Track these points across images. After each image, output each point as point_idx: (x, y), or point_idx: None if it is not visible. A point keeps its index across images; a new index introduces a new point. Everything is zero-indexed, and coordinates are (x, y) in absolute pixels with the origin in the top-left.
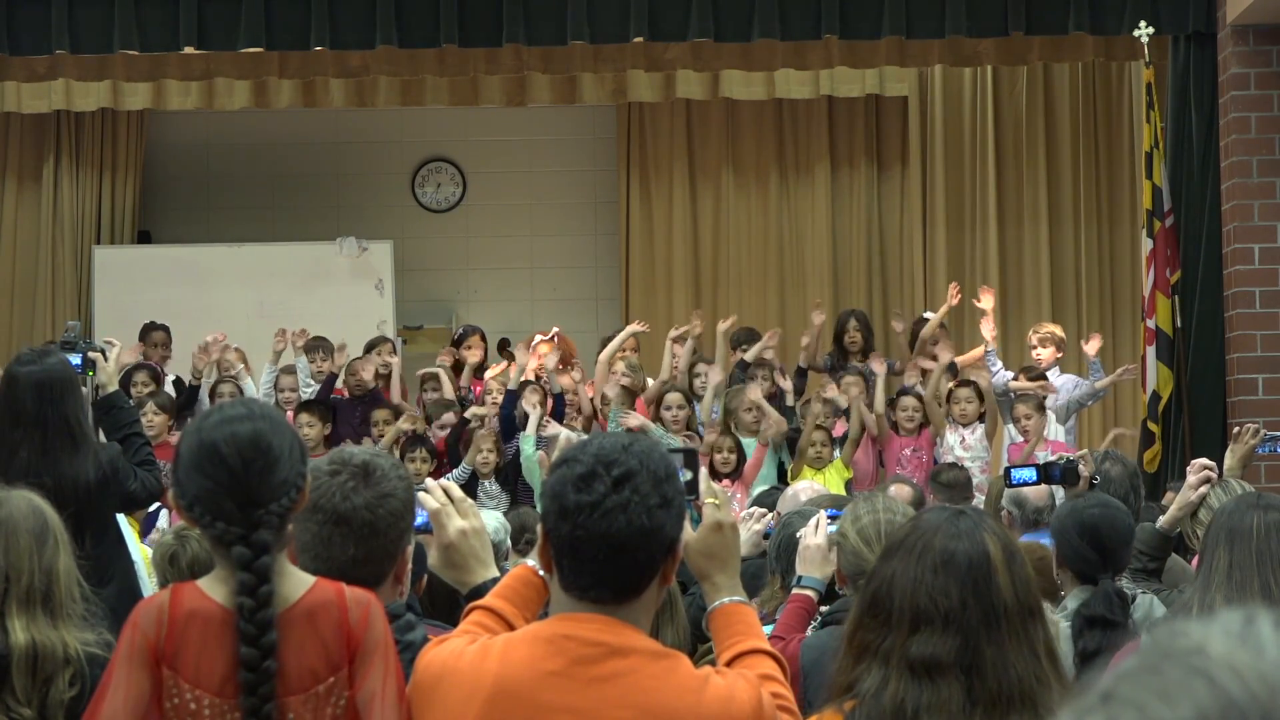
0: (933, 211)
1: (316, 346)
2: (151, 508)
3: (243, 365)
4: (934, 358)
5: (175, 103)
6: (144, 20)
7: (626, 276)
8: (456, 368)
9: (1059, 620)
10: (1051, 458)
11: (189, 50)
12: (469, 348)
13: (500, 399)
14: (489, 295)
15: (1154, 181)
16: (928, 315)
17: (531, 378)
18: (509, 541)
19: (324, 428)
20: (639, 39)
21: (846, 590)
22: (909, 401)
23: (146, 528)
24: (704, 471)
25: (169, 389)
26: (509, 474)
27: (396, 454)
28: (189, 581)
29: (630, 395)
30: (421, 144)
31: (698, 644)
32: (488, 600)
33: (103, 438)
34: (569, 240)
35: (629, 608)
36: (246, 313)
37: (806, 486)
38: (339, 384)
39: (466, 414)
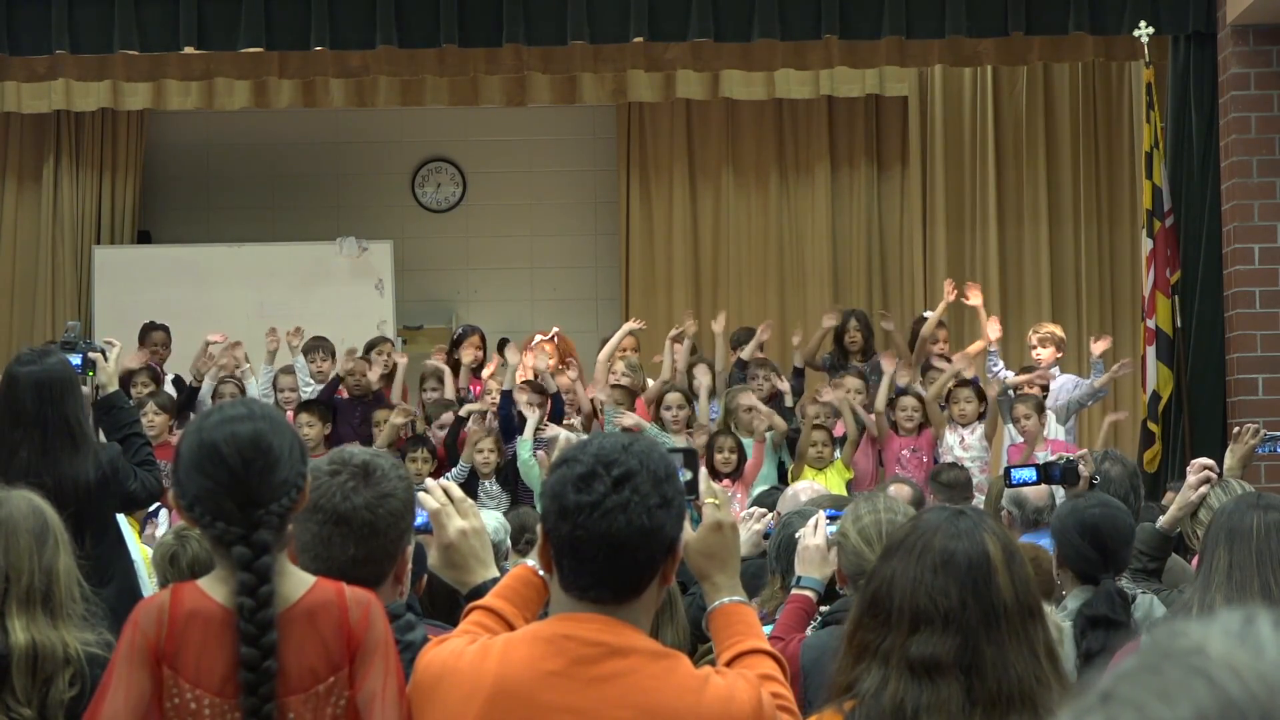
0: (933, 211)
1: (316, 346)
2: (151, 508)
3: (248, 364)
4: (940, 356)
5: (175, 103)
6: (144, 20)
7: (626, 276)
8: (457, 368)
9: (1062, 622)
10: (1051, 458)
11: (189, 50)
12: (465, 348)
13: (499, 399)
14: (489, 295)
15: (1154, 181)
16: (927, 314)
17: (529, 377)
18: (509, 541)
19: (324, 428)
20: (639, 39)
21: (847, 590)
22: (909, 401)
23: (145, 526)
24: (704, 471)
25: (169, 389)
26: (509, 474)
27: (393, 449)
28: (189, 581)
29: (630, 395)
30: (421, 144)
31: (698, 644)
32: (488, 600)
33: (103, 438)
34: (569, 240)
35: (629, 608)
36: (246, 313)
37: (806, 486)
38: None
39: (462, 411)
